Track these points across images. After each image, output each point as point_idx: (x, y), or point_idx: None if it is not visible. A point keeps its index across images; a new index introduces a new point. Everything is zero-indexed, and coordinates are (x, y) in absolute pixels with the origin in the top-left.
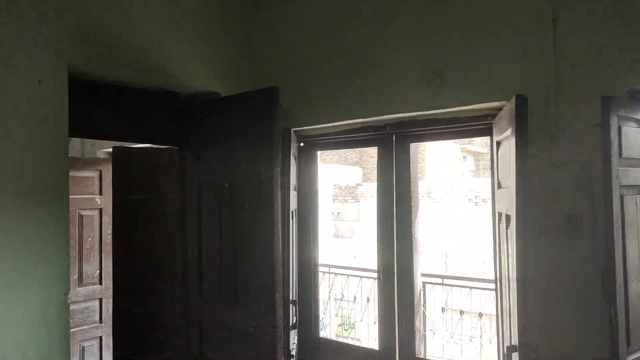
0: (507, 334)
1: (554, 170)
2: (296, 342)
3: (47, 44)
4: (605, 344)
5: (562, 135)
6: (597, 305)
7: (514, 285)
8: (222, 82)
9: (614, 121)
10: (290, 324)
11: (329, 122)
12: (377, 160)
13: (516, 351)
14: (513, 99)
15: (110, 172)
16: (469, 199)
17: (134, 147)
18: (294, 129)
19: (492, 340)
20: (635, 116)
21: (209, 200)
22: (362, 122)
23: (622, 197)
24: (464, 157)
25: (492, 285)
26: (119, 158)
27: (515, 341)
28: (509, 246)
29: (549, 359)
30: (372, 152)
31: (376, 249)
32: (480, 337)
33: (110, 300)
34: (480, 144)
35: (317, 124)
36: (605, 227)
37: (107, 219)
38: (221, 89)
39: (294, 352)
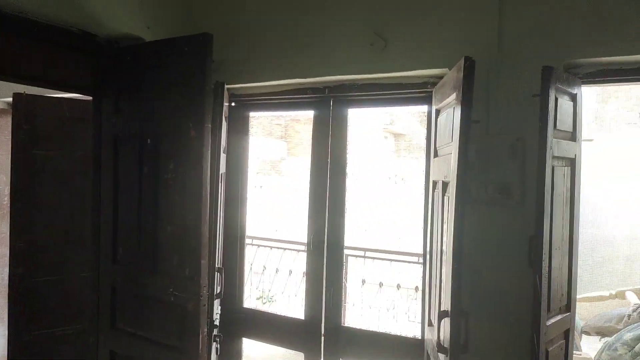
0: (435, 301)
1: (489, 140)
2: (220, 312)
3: None
4: (529, 310)
5: (500, 105)
6: (523, 273)
7: (449, 251)
8: (147, 27)
9: (552, 92)
10: (215, 293)
11: (265, 81)
12: (313, 126)
13: (448, 316)
14: (461, 61)
15: (10, 124)
16: (389, 177)
17: (39, 96)
18: (227, 85)
19: (408, 311)
20: (568, 89)
21: (128, 157)
22: (300, 83)
23: (553, 168)
24: (385, 137)
25: (411, 259)
26: (20, 106)
27: (446, 307)
28: (445, 212)
29: (477, 323)
30: (298, 127)
31: (307, 218)
32: (393, 308)
33: (6, 269)
34: (401, 124)
35: (251, 82)
36: (537, 196)
37: (4, 179)
38: (147, 34)
39: (217, 322)
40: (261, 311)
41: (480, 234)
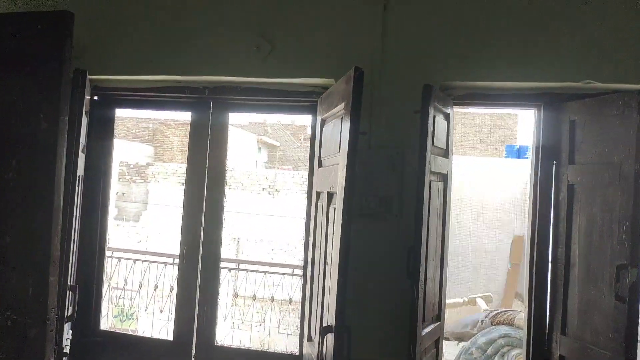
0: (316, 315)
1: (371, 153)
2: (70, 337)
3: None
4: (406, 320)
5: (381, 118)
6: (402, 283)
7: (335, 262)
8: None
9: (431, 110)
10: (66, 315)
11: (136, 74)
12: (190, 129)
13: (331, 332)
14: (351, 71)
15: None
16: (263, 188)
17: None
18: (90, 76)
19: (280, 324)
20: (444, 109)
21: None
22: (177, 81)
23: (430, 183)
24: (259, 148)
25: (286, 270)
26: None
27: (330, 321)
28: (330, 223)
29: (357, 335)
30: (168, 131)
31: (181, 229)
32: (263, 322)
33: None
34: (274, 137)
35: (119, 74)
36: (416, 209)
37: None
38: None
39: (67, 350)
40: (122, 333)
41: (362, 246)
